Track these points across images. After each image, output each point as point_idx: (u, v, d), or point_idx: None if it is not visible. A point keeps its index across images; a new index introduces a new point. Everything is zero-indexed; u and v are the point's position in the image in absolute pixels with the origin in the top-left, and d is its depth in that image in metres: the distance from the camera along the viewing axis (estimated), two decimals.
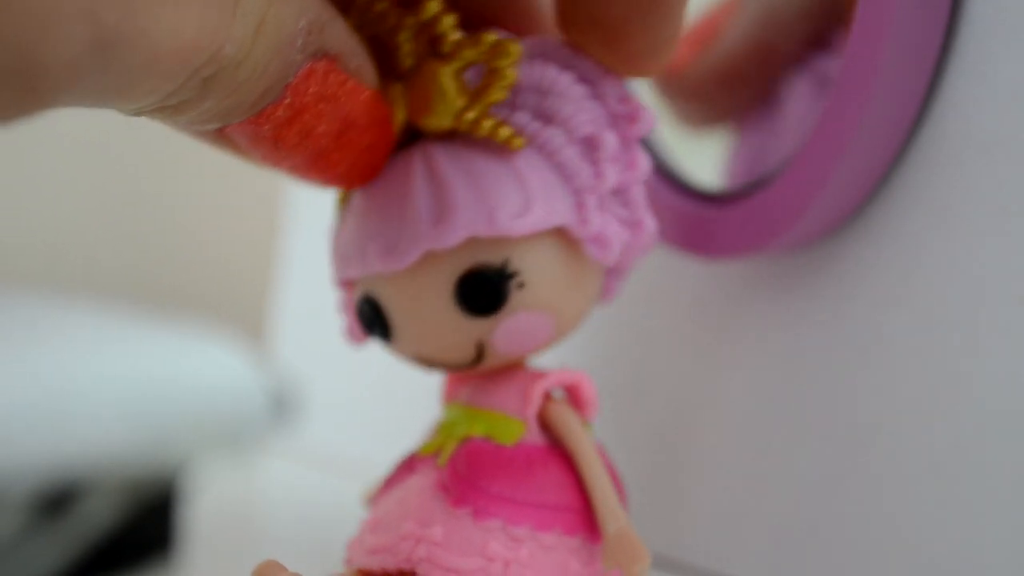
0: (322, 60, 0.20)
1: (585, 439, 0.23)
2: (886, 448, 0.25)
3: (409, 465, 0.24)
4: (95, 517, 0.52)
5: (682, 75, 0.30)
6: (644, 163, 0.23)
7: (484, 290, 0.22)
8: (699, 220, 0.27)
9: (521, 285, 0.22)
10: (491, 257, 0.22)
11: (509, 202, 0.22)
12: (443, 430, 0.24)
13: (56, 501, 0.50)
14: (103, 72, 0.16)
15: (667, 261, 0.29)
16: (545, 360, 0.25)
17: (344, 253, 0.24)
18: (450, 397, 0.25)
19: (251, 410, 0.54)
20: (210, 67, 0.18)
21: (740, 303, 0.28)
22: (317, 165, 0.22)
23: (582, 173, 0.22)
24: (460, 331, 0.23)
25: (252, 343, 0.59)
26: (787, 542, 0.27)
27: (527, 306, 0.23)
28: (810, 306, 0.26)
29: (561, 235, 0.23)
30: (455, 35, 0.22)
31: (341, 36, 0.21)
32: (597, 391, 0.24)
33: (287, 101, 0.20)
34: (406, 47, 0.22)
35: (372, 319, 0.24)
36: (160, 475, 0.54)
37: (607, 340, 0.31)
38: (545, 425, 0.24)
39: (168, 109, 0.18)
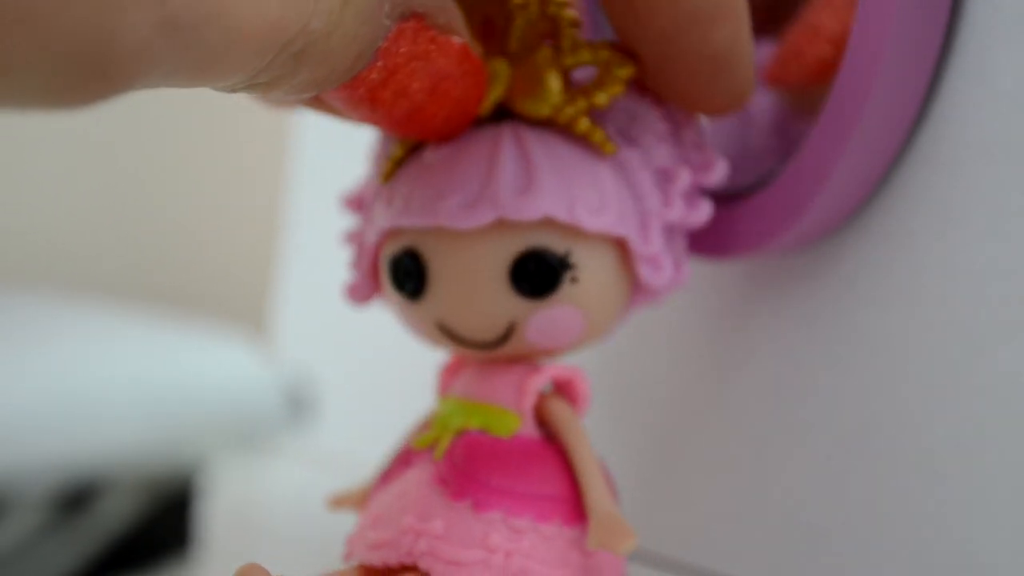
0: (410, 20, 0.20)
1: (579, 429, 0.23)
2: (886, 448, 0.25)
3: (405, 459, 0.24)
4: (112, 516, 0.53)
5: None
6: (706, 209, 0.24)
7: (541, 272, 0.23)
8: None
9: (575, 279, 0.23)
10: (556, 244, 0.23)
11: (588, 197, 0.23)
12: (438, 423, 0.24)
13: (74, 500, 0.51)
14: (179, 53, 0.16)
15: None
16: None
17: (405, 202, 0.24)
18: (444, 391, 0.25)
19: (266, 408, 0.54)
20: (298, 42, 0.18)
21: (740, 303, 0.28)
22: (414, 119, 0.22)
23: (652, 197, 0.23)
24: (499, 306, 0.23)
25: (255, 343, 0.59)
26: (787, 542, 0.27)
27: (572, 301, 0.23)
28: (810, 306, 0.26)
29: (620, 248, 0.23)
30: (574, 33, 0.23)
31: None
32: (596, 390, 0.24)
33: (379, 64, 0.20)
34: (520, 31, 0.23)
35: (409, 273, 0.24)
36: (177, 473, 0.54)
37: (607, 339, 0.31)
38: (541, 419, 0.24)
39: (261, 85, 0.19)
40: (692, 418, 0.29)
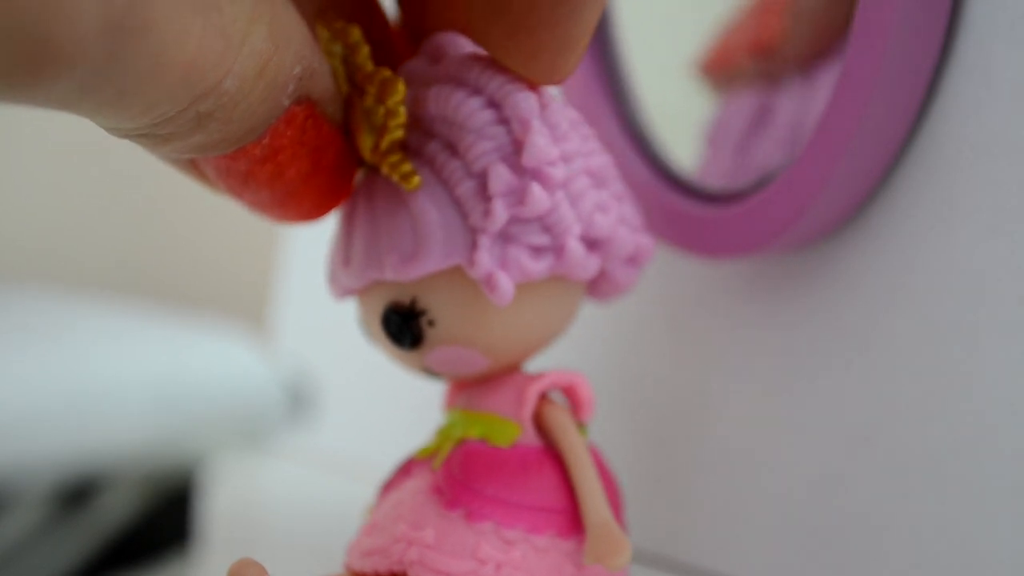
0: (303, 104, 0.20)
1: (576, 438, 0.23)
2: (886, 448, 0.25)
3: (406, 469, 0.24)
4: (114, 511, 0.53)
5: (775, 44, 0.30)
6: (537, 196, 0.21)
7: (398, 327, 0.23)
8: (699, 220, 0.27)
9: (431, 323, 0.23)
10: (401, 296, 0.23)
11: (398, 246, 0.22)
12: (440, 433, 0.24)
13: (74, 496, 0.51)
14: (108, 61, 0.16)
15: (667, 261, 0.29)
16: (544, 360, 0.25)
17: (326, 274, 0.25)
18: (451, 403, 0.25)
19: (267, 405, 0.54)
20: (209, 101, 0.18)
21: (740, 303, 0.28)
22: (282, 203, 0.22)
23: (476, 210, 0.21)
24: (404, 356, 0.24)
25: (256, 340, 0.59)
26: (787, 542, 0.27)
27: (443, 341, 0.23)
28: (810, 306, 0.26)
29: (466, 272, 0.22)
30: (368, 67, 0.22)
31: (324, 83, 0.21)
32: (596, 391, 0.24)
33: (265, 141, 0.20)
34: (341, 77, 0.22)
35: (363, 331, 0.25)
36: (179, 470, 0.54)
37: (607, 340, 0.31)
38: (541, 427, 0.23)
39: (156, 138, 0.19)
40: (692, 418, 0.29)
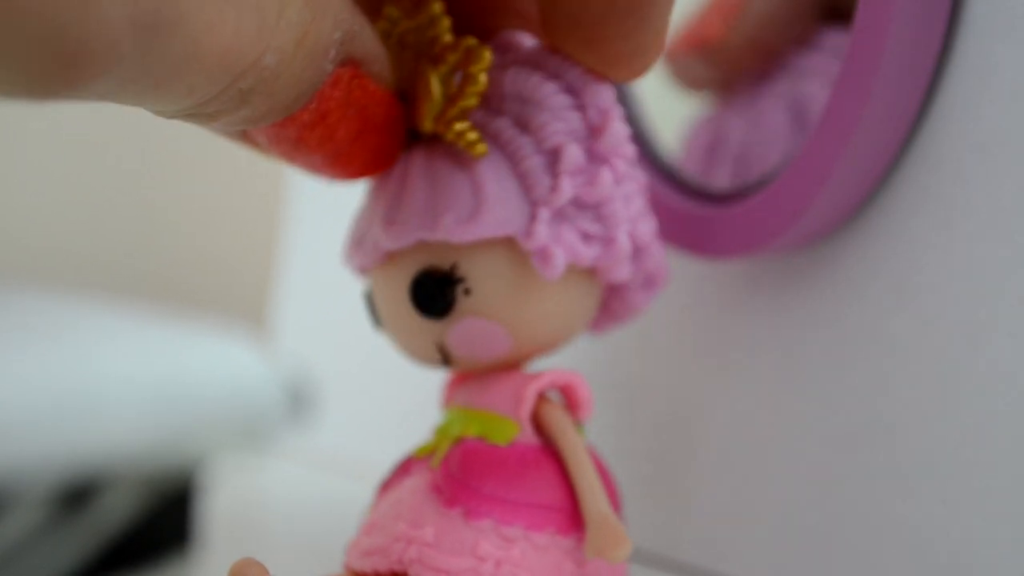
0: (348, 66, 0.20)
1: (574, 436, 0.23)
2: (886, 448, 0.25)
3: (405, 468, 0.24)
4: (114, 512, 0.53)
5: (716, 44, 0.31)
6: (606, 180, 0.22)
7: (431, 292, 0.23)
8: (699, 220, 0.27)
9: (468, 291, 0.23)
10: (441, 260, 0.23)
11: (457, 208, 0.22)
12: (439, 432, 0.24)
13: (75, 497, 0.51)
14: (143, 57, 0.16)
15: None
16: (544, 359, 0.25)
17: (346, 242, 0.25)
18: (449, 401, 0.25)
19: (268, 405, 0.54)
20: (249, 78, 0.18)
21: (740, 303, 0.28)
22: (333, 163, 0.22)
23: (541, 184, 0.22)
24: (421, 331, 0.23)
25: (256, 340, 0.59)
26: (787, 542, 0.27)
27: (475, 313, 0.23)
28: (810, 306, 0.26)
29: (516, 247, 0.22)
30: (447, 38, 0.22)
31: (368, 43, 0.21)
32: (597, 391, 0.24)
33: (313, 106, 0.20)
34: (408, 52, 0.23)
35: (369, 311, 0.25)
36: (178, 471, 0.54)
37: (607, 340, 0.31)
38: (539, 426, 0.24)
39: (204, 116, 0.19)
40: (692, 418, 0.29)
